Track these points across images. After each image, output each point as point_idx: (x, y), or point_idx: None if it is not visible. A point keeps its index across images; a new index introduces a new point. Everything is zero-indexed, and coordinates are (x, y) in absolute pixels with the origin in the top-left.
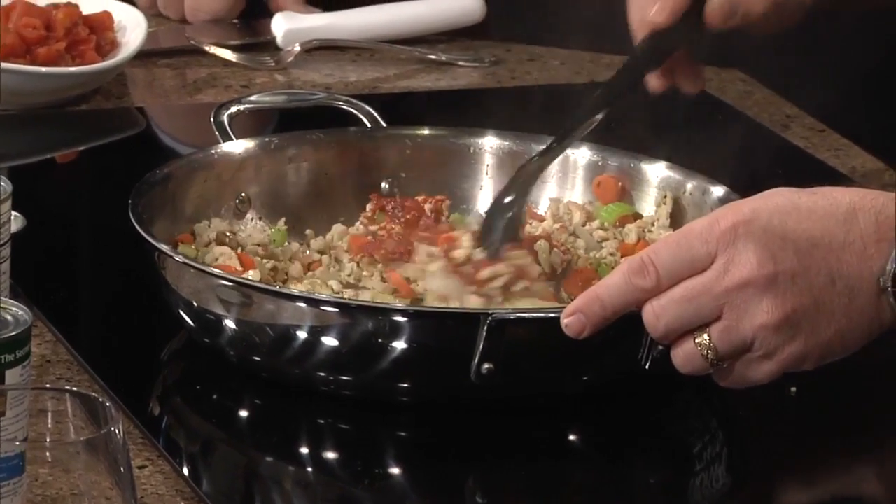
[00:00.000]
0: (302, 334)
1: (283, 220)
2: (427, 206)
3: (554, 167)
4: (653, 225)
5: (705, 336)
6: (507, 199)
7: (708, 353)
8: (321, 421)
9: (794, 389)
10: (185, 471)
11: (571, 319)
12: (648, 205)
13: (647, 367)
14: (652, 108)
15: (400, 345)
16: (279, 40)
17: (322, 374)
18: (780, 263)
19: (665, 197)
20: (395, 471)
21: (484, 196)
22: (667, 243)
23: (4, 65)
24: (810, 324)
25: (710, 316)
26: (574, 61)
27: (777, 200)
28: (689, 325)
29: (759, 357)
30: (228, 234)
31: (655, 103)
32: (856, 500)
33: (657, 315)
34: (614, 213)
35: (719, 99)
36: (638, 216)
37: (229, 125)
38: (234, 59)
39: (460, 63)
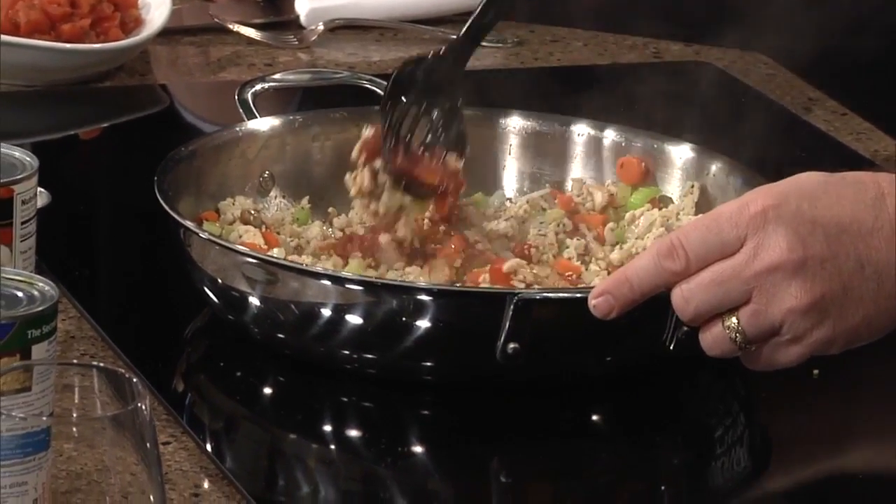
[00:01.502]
0: (326, 312)
1: (306, 198)
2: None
3: (578, 147)
4: (678, 216)
5: (734, 319)
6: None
7: (736, 337)
8: (345, 399)
9: (816, 372)
10: (209, 447)
11: (599, 300)
12: (672, 186)
13: (671, 348)
14: (675, 90)
15: (425, 324)
16: (303, 19)
17: (346, 352)
18: (810, 248)
19: (692, 186)
20: (418, 450)
21: (508, 176)
22: (696, 226)
23: (29, 41)
24: (838, 308)
25: (739, 299)
26: (597, 42)
27: (806, 185)
28: (719, 309)
29: (787, 341)
30: (252, 211)
31: (680, 85)
32: (878, 483)
33: (686, 298)
34: (643, 199)
35: (742, 81)
36: (666, 200)
37: (253, 103)
38: (257, 38)
39: (483, 43)
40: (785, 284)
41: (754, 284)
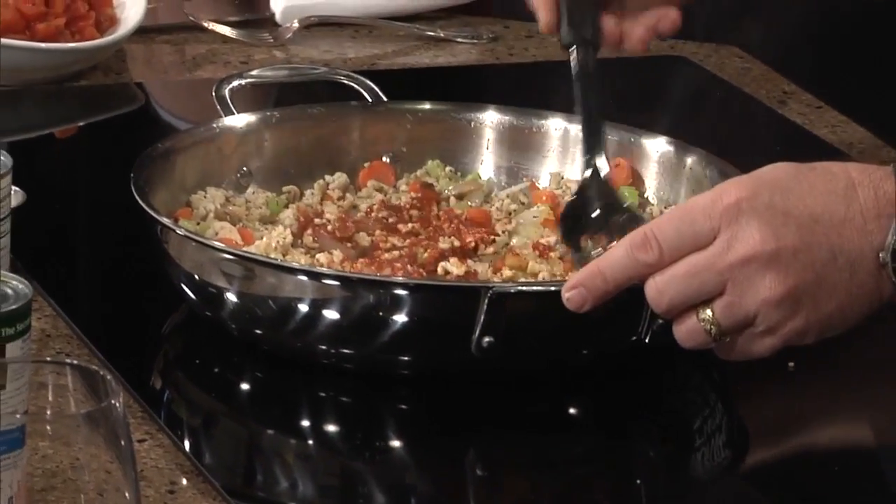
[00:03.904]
0: (303, 307)
1: (283, 188)
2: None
3: (554, 142)
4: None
5: (708, 311)
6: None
7: (711, 328)
8: (322, 394)
9: (791, 364)
10: (186, 445)
11: (573, 293)
12: (649, 180)
13: (646, 340)
14: (651, 84)
15: (401, 318)
16: (278, 16)
17: (323, 347)
18: (783, 239)
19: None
20: (395, 444)
21: (484, 170)
22: (670, 218)
23: (4, 41)
24: (812, 299)
25: (713, 291)
26: None
27: (778, 176)
28: (692, 301)
29: (762, 332)
30: (230, 206)
31: (656, 79)
32: (854, 472)
33: (660, 290)
34: (632, 202)
35: (717, 75)
36: (645, 203)
37: (230, 100)
38: (232, 35)
39: (459, 40)
40: (759, 276)
41: (728, 276)
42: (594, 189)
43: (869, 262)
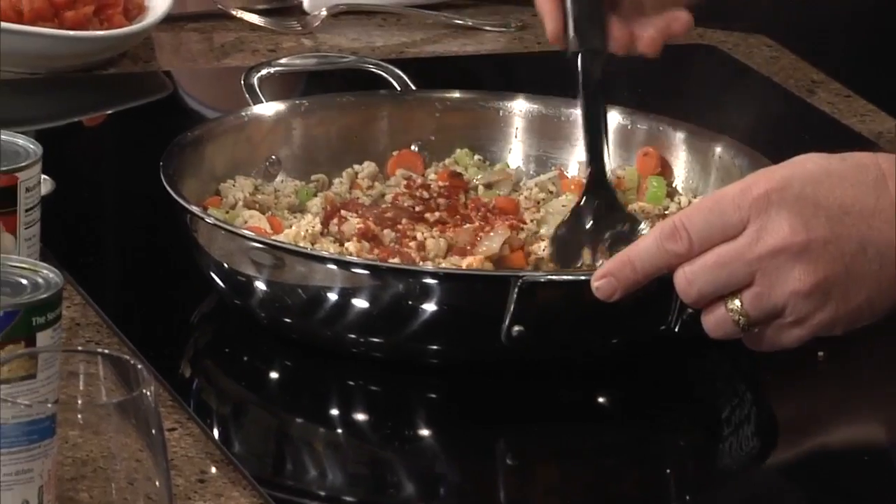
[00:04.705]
0: (333, 296)
1: (311, 177)
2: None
3: (581, 131)
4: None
5: (737, 302)
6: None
7: (739, 319)
8: (351, 383)
9: (821, 354)
10: (215, 433)
11: (602, 282)
12: (678, 168)
13: (676, 329)
14: (679, 73)
15: (430, 307)
16: (306, 5)
17: (352, 336)
18: (813, 231)
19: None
20: (424, 433)
21: (513, 159)
22: (699, 209)
23: (33, 28)
24: (841, 291)
25: (742, 282)
26: None
27: (808, 167)
28: (721, 291)
29: (790, 323)
30: (259, 195)
31: (684, 68)
32: (885, 463)
33: (689, 281)
34: (661, 192)
35: (745, 64)
36: (672, 191)
37: (259, 88)
38: (260, 24)
39: (487, 28)
40: (788, 267)
41: (757, 267)
42: (595, 200)
43: None
